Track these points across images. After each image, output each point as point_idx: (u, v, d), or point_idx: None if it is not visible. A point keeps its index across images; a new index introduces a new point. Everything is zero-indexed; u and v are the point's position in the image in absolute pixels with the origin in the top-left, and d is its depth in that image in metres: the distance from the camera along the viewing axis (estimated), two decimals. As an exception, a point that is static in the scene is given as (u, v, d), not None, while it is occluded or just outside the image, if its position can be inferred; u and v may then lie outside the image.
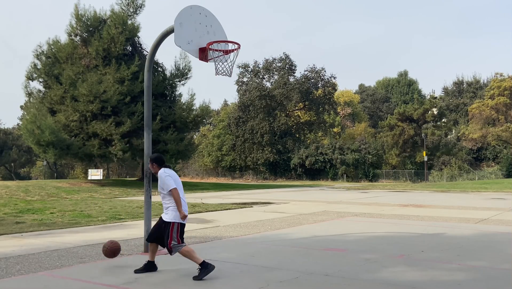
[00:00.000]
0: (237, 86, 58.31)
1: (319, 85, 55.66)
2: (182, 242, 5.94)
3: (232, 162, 60.00)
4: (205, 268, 5.78)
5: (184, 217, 5.94)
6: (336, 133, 64.62)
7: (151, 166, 6.31)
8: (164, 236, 5.94)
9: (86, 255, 7.38)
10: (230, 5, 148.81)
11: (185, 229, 10.25)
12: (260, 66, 57.57)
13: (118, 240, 8.87)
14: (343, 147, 53.69)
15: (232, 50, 7.65)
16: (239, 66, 57.31)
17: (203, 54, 7.60)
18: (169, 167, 6.21)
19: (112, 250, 6.25)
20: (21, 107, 46.09)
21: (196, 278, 5.76)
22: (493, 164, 57.19)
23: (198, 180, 56.03)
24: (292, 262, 6.69)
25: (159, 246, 6.21)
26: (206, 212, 14.67)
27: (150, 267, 6.18)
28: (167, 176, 6.01)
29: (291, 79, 55.57)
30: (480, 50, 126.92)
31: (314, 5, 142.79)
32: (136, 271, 6.12)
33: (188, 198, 22.15)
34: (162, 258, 7.08)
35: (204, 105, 36.90)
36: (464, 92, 71.92)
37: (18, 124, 62.27)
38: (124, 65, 32.10)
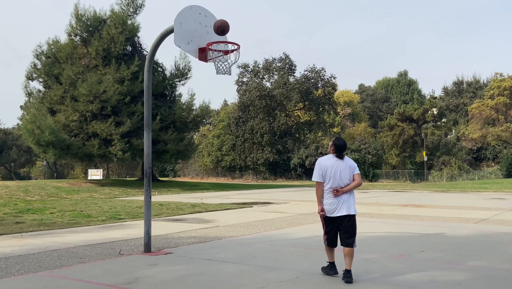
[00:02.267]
0: (237, 86, 58.36)
1: (319, 85, 55.66)
2: (324, 236, 5.83)
3: (232, 162, 60.00)
4: (330, 269, 5.82)
5: (321, 211, 5.70)
6: (336, 133, 64.60)
7: (330, 145, 5.85)
8: None
9: (86, 255, 7.38)
10: (230, 5, 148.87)
11: (186, 229, 10.32)
12: (260, 66, 57.58)
13: (118, 240, 8.89)
14: (343, 146, 53.60)
15: (232, 51, 7.64)
16: (239, 66, 57.34)
17: (203, 54, 7.60)
18: (341, 156, 5.72)
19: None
20: (21, 107, 46.08)
21: (323, 268, 5.94)
22: (493, 164, 57.19)
23: (198, 180, 56.05)
24: (292, 262, 6.69)
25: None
26: (206, 212, 14.67)
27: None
28: (317, 166, 5.73)
29: (291, 79, 55.58)
30: (480, 50, 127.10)
31: (314, 5, 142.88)
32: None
33: (188, 198, 22.23)
34: (162, 257, 7.09)
35: (204, 105, 36.92)
36: (464, 92, 71.92)
37: (18, 124, 62.21)
38: (124, 65, 32.10)
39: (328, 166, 5.65)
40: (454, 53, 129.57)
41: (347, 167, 5.68)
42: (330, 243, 5.77)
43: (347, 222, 5.64)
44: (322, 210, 5.66)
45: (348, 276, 5.47)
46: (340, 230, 5.68)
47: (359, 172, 5.76)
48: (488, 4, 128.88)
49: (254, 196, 24.11)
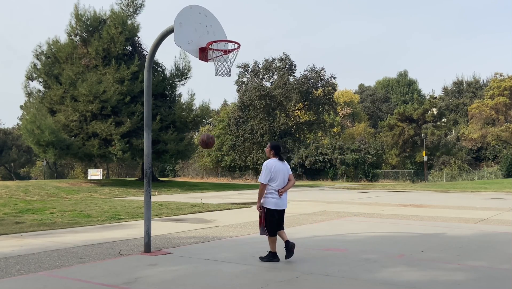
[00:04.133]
0: (237, 86, 58.29)
1: (319, 85, 55.60)
2: (268, 228, 6.60)
3: (232, 162, 60.00)
4: (273, 257, 6.64)
5: (260, 208, 6.62)
6: (336, 133, 64.60)
7: (268, 151, 6.75)
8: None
9: (86, 255, 7.38)
10: (230, 4, 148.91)
11: (186, 229, 10.33)
12: (260, 66, 57.51)
13: (118, 240, 8.89)
14: (343, 146, 53.67)
15: (232, 50, 7.64)
16: (239, 66, 57.26)
17: (203, 54, 7.59)
18: (281, 159, 6.70)
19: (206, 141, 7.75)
20: (21, 107, 46.03)
21: (261, 258, 6.77)
22: (493, 164, 57.15)
23: (198, 180, 56.05)
24: (292, 262, 6.69)
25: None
26: (206, 212, 14.67)
27: (286, 246, 6.69)
28: (266, 168, 6.57)
29: (291, 79, 55.51)
30: (480, 50, 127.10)
31: (314, 5, 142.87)
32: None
33: (188, 198, 22.23)
34: (162, 257, 7.09)
35: (204, 105, 36.92)
36: (464, 92, 71.88)
37: (18, 124, 62.21)
38: (124, 65, 32.10)
39: (276, 168, 6.58)
40: (454, 53, 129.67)
41: (286, 169, 6.73)
42: (274, 232, 6.67)
43: (283, 213, 6.82)
44: (261, 208, 6.59)
45: (291, 243, 6.62)
46: (278, 219, 6.72)
47: (291, 172, 6.88)
48: (488, 4, 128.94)
49: (254, 196, 24.10)
